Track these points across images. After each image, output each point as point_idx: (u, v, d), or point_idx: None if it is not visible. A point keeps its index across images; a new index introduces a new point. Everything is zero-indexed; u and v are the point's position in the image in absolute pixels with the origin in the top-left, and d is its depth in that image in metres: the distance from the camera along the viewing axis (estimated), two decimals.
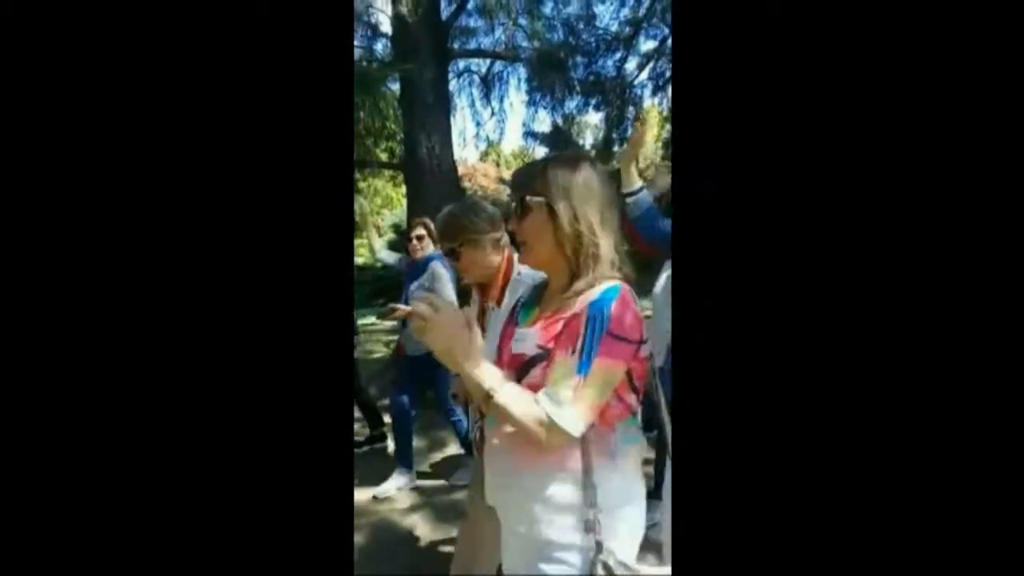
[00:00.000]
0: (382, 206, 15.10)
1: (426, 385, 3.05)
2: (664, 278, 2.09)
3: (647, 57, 8.95)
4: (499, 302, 1.52)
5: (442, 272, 2.76)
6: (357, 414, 3.66)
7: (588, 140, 10.81)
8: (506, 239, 1.60)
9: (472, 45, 8.14)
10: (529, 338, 0.95)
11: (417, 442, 3.40)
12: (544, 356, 0.92)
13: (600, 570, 0.88)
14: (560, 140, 9.68)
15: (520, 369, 0.94)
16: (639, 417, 1.01)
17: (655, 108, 10.74)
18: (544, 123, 9.86)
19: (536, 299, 1.08)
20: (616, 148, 10.05)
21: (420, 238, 2.96)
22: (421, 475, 3.25)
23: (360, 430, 3.78)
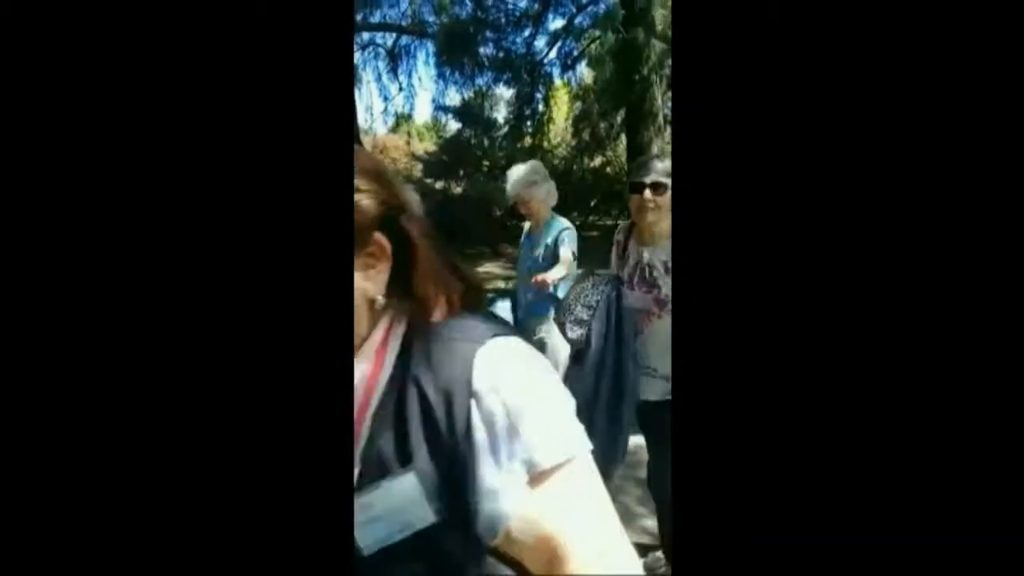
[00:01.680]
0: None
1: None
2: None
3: (556, 36, 9.03)
4: None
5: None
6: None
7: (501, 114, 10.80)
8: None
9: (377, 17, 7.76)
10: None
11: None
12: None
13: None
14: (472, 114, 9.59)
15: None
16: None
17: (565, 85, 10.91)
18: (455, 98, 9.69)
19: None
20: (528, 124, 10.16)
21: None
22: None
23: None
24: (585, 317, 1.65)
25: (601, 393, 1.61)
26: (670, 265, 1.60)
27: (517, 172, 2.21)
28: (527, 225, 2.38)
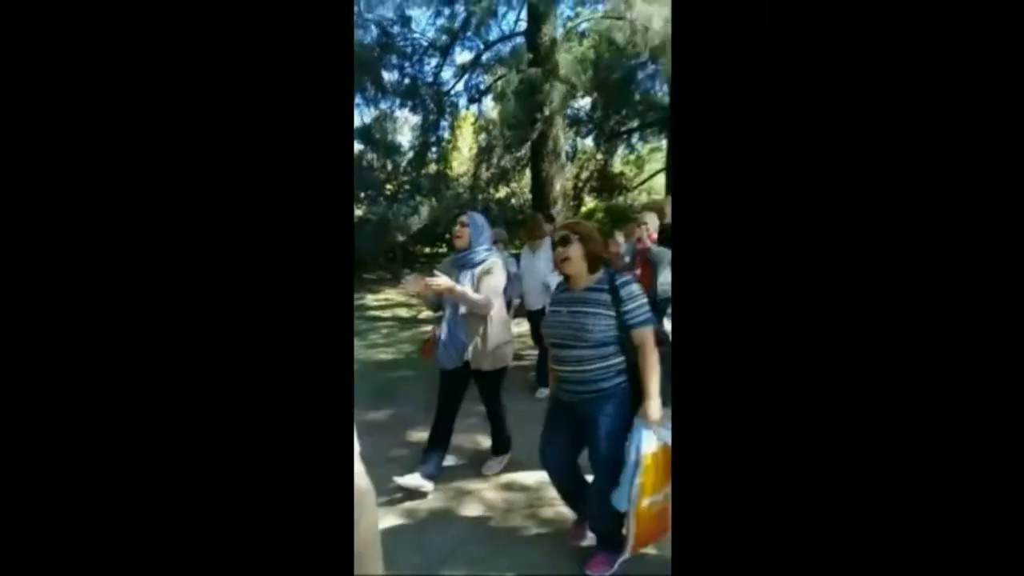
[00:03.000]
0: None
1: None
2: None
3: (463, 69, 9.16)
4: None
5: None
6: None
7: (405, 139, 10.66)
8: None
9: None
10: None
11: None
12: None
13: None
14: (374, 137, 9.36)
15: None
16: None
17: (471, 115, 11.07)
18: (356, 120, 9.40)
19: None
20: (433, 151, 10.14)
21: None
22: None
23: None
24: None
25: None
26: None
27: None
28: None
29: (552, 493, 2.32)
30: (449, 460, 2.51)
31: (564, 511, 2.15)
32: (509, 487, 2.41)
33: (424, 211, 9.41)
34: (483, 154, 10.61)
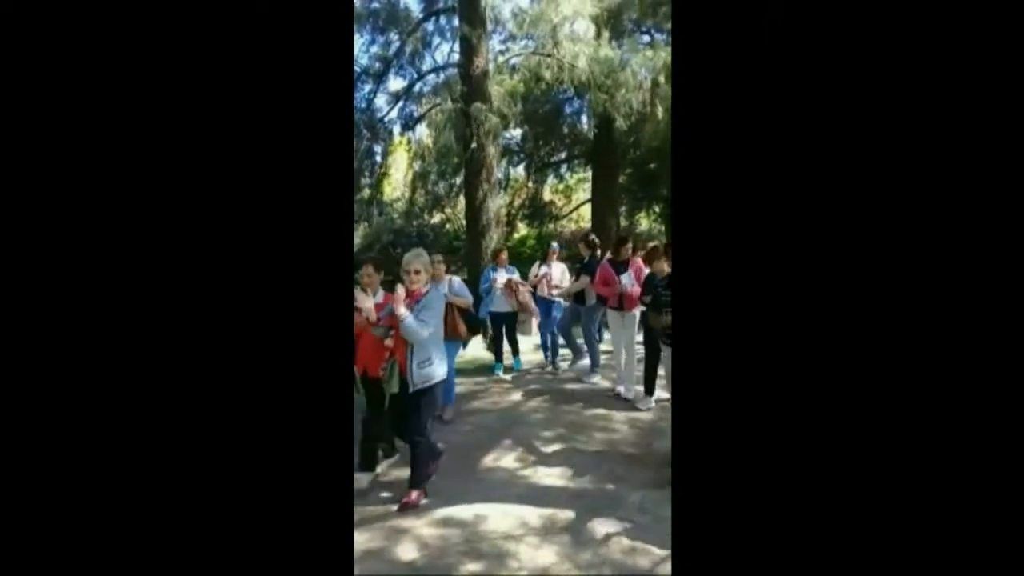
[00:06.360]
0: None
1: None
2: None
3: (397, 96, 9.20)
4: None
5: None
6: None
7: None
8: None
9: None
10: None
11: None
12: None
13: None
14: None
15: None
16: None
17: (405, 139, 11.09)
18: None
19: None
20: (366, 177, 10.04)
21: None
22: None
23: None
24: None
25: None
26: None
27: None
28: None
29: (488, 527, 2.38)
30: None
31: (501, 544, 2.22)
32: (445, 523, 2.44)
33: (358, 235, 9.25)
34: (418, 180, 10.63)
